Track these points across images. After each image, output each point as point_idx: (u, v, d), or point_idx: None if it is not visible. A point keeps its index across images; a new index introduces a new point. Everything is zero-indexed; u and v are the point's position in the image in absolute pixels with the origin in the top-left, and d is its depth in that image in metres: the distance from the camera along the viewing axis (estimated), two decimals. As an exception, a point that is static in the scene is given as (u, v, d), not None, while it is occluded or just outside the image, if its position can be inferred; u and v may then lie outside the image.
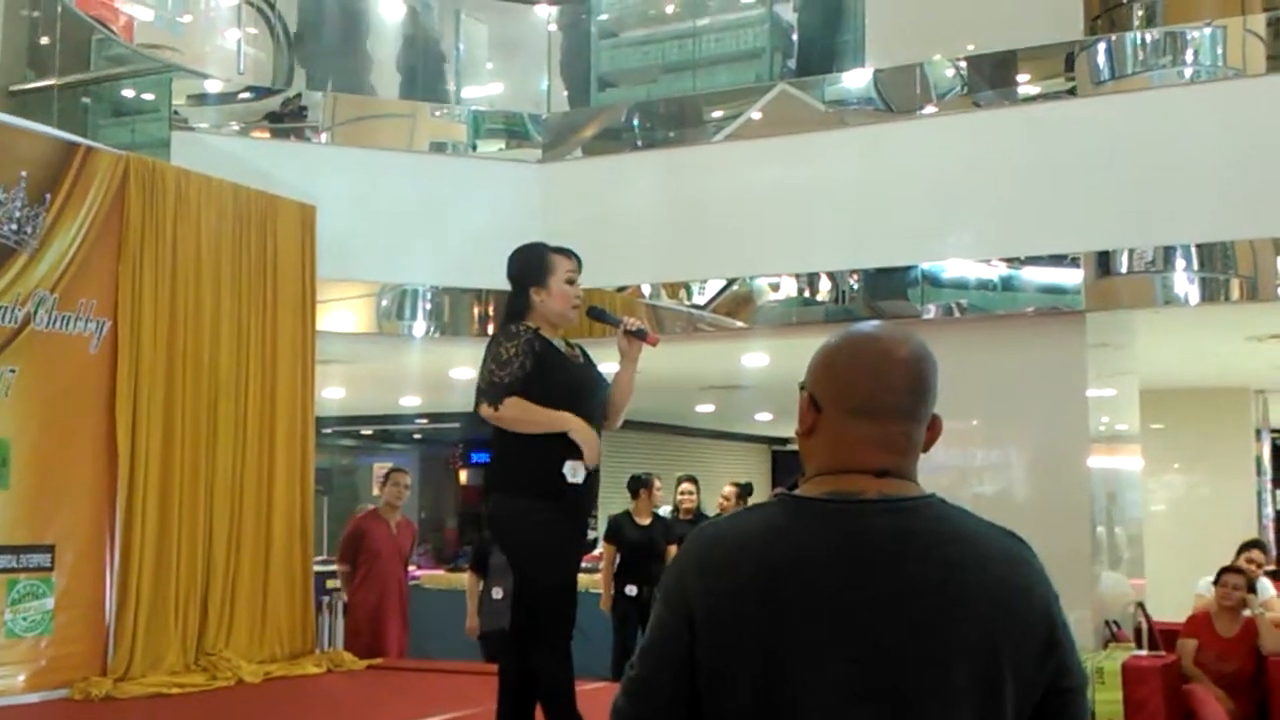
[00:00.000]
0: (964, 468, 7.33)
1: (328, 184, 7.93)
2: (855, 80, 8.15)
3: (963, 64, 7.77)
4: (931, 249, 7.66)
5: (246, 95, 8.45)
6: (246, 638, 6.78)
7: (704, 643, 1.59)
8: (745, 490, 9.71)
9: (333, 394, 11.70)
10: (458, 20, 9.42)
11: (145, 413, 6.40)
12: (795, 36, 9.09)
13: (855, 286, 7.88)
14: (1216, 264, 7.03)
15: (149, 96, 8.61)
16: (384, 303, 8.50)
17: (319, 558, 8.40)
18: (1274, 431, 13.07)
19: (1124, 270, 7.25)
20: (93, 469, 6.29)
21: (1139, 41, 7.43)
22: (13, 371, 5.92)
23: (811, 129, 8.06)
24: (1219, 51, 7.28)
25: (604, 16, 9.51)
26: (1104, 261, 7.25)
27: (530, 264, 4.50)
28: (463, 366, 9.87)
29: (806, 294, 8.04)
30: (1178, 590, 7.63)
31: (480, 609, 7.67)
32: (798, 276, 8.03)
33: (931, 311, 7.62)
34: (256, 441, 7.00)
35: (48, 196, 6.08)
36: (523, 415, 4.23)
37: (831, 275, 7.93)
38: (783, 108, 8.18)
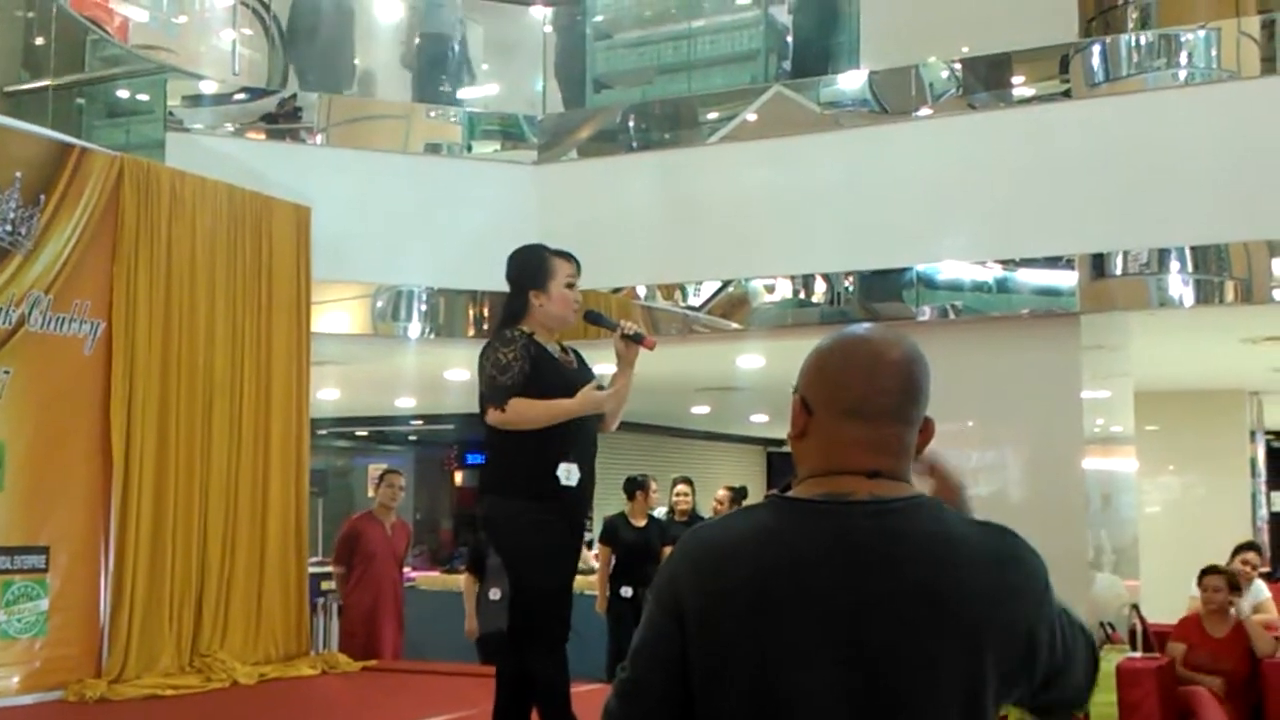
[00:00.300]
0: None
1: (323, 185, 7.92)
2: (850, 82, 8.16)
3: (957, 66, 7.78)
4: (926, 251, 7.66)
5: (241, 96, 8.44)
6: (241, 639, 6.77)
7: (695, 644, 1.59)
8: (739, 494, 9.72)
9: (328, 395, 11.70)
10: (453, 22, 9.42)
11: (140, 414, 6.39)
12: (790, 38, 9.09)
13: (850, 288, 7.88)
14: (1211, 266, 7.04)
15: (144, 97, 8.60)
16: (379, 304, 8.50)
17: (314, 559, 8.39)
18: (1269, 433, 13.09)
19: (1119, 272, 7.26)
20: (87, 470, 6.28)
21: (1134, 43, 7.44)
22: (7, 373, 5.91)
23: (806, 131, 8.06)
24: (1213, 54, 7.29)
25: (599, 18, 9.51)
26: (1099, 263, 7.26)
27: (530, 266, 4.49)
28: (458, 368, 9.87)
29: (802, 295, 8.04)
30: (1172, 592, 7.64)
31: (478, 610, 7.66)
32: (793, 278, 8.03)
33: (926, 313, 7.63)
34: (251, 443, 6.99)
35: (42, 197, 6.08)
36: (528, 413, 4.23)
37: (827, 277, 7.93)
38: (778, 109, 8.18)
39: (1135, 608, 7.44)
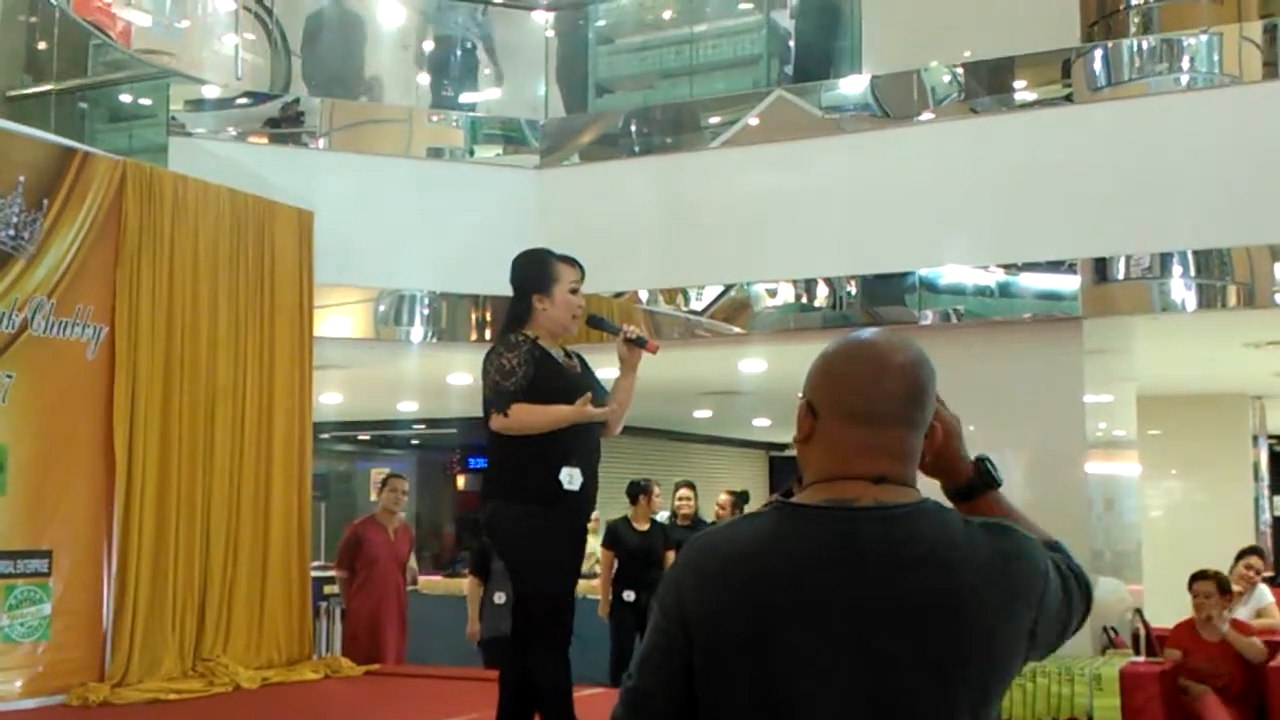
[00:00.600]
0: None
1: (325, 189, 7.93)
2: (852, 86, 8.16)
3: (959, 70, 7.78)
4: (929, 255, 7.66)
5: (244, 101, 8.45)
6: (244, 643, 6.78)
7: (701, 651, 1.59)
8: (741, 498, 9.71)
9: (330, 399, 11.70)
10: (455, 26, 9.43)
11: (142, 418, 6.40)
12: (792, 43, 9.09)
13: (852, 292, 7.88)
14: (1213, 270, 7.04)
15: (146, 102, 8.60)
16: (381, 308, 8.50)
17: (316, 563, 8.39)
18: (1271, 438, 13.09)
19: (1121, 276, 7.26)
20: (90, 474, 6.29)
21: (1136, 48, 7.43)
22: (9, 377, 5.92)
23: (808, 135, 8.06)
24: (1215, 58, 7.29)
25: (601, 22, 9.52)
26: (1101, 268, 7.26)
27: (534, 271, 4.49)
28: (460, 372, 9.88)
29: (804, 300, 8.04)
30: (1175, 596, 7.61)
31: (481, 614, 7.66)
32: (795, 282, 8.03)
33: (929, 317, 7.63)
34: (254, 446, 7.00)
35: (45, 202, 6.09)
36: (528, 418, 4.23)
37: (829, 281, 7.93)
38: (780, 114, 8.18)
39: (1138, 612, 7.43)
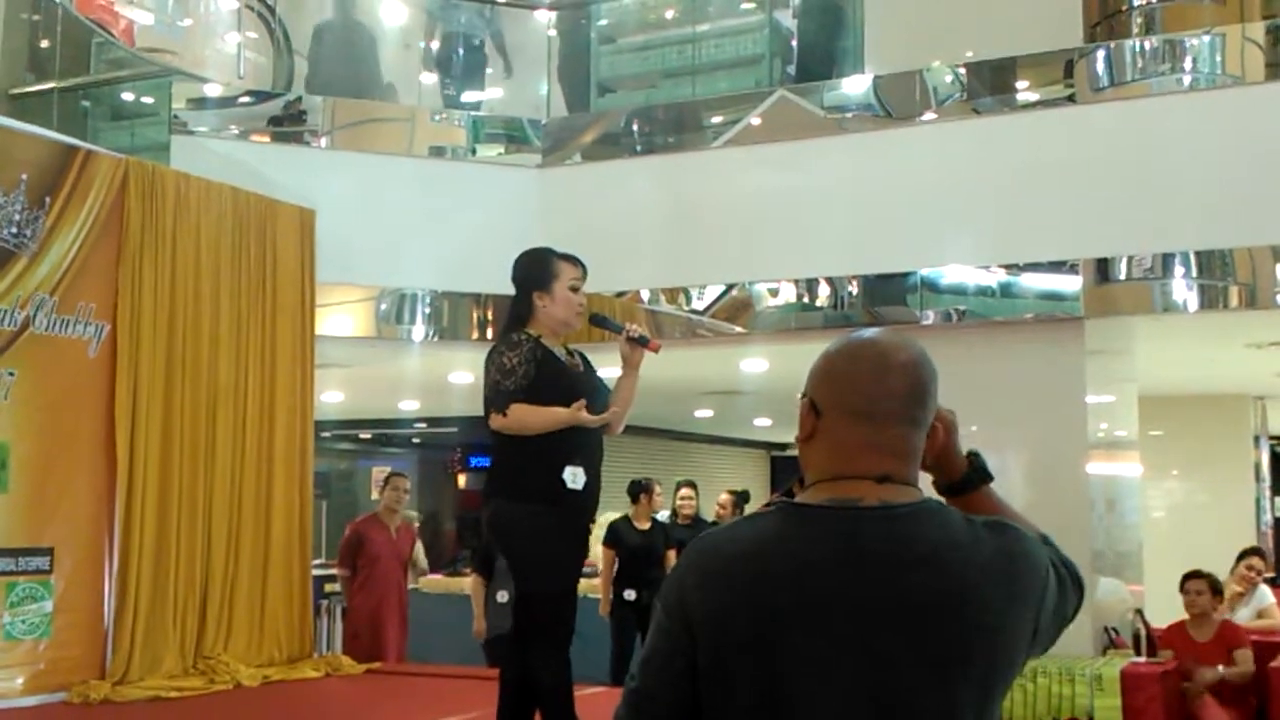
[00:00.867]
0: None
1: (327, 188, 7.93)
2: (855, 86, 8.16)
3: (962, 70, 7.78)
4: (930, 255, 7.66)
5: (246, 99, 8.45)
6: (245, 641, 6.78)
7: (705, 652, 1.59)
8: (741, 498, 9.71)
9: (332, 398, 11.70)
10: (458, 25, 9.43)
11: (144, 416, 6.40)
12: (795, 42, 9.09)
13: (854, 292, 7.88)
14: (1215, 271, 7.03)
15: (149, 100, 8.61)
16: (383, 307, 8.50)
17: (317, 561, 8.40)
18: (1273, 438, 13.08)
19: (1123, 277, 7.26)
20: (91, 472, 6.29)
21: (1138, 49, 7.43)
22: (11, 374, 5.93)
23: (811, 135, 8.06)
24: (1218, 59, 7.28)
25: (603, 22, 9.51)
26: (1103, 268, 7.26)
27: (534, 269, 4.50)
28: (462, 371, 9.87)
29: (806, 299, 8.04)
30: (1176, 597, 7.62)
31: (486, 612, 7.66)
32: (797, 282, 8.03)
33: (930, 317, 7.63)
34: (255, 445, 7.00)
35: (47, 199, 6.09)
36: (527, 419, 4.24)
37: (830, 281, 7.93)
38: (782, 113, 8.18)
39: (1139, 612, 7.44)
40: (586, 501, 4.38)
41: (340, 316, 8.34)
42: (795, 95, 8.25)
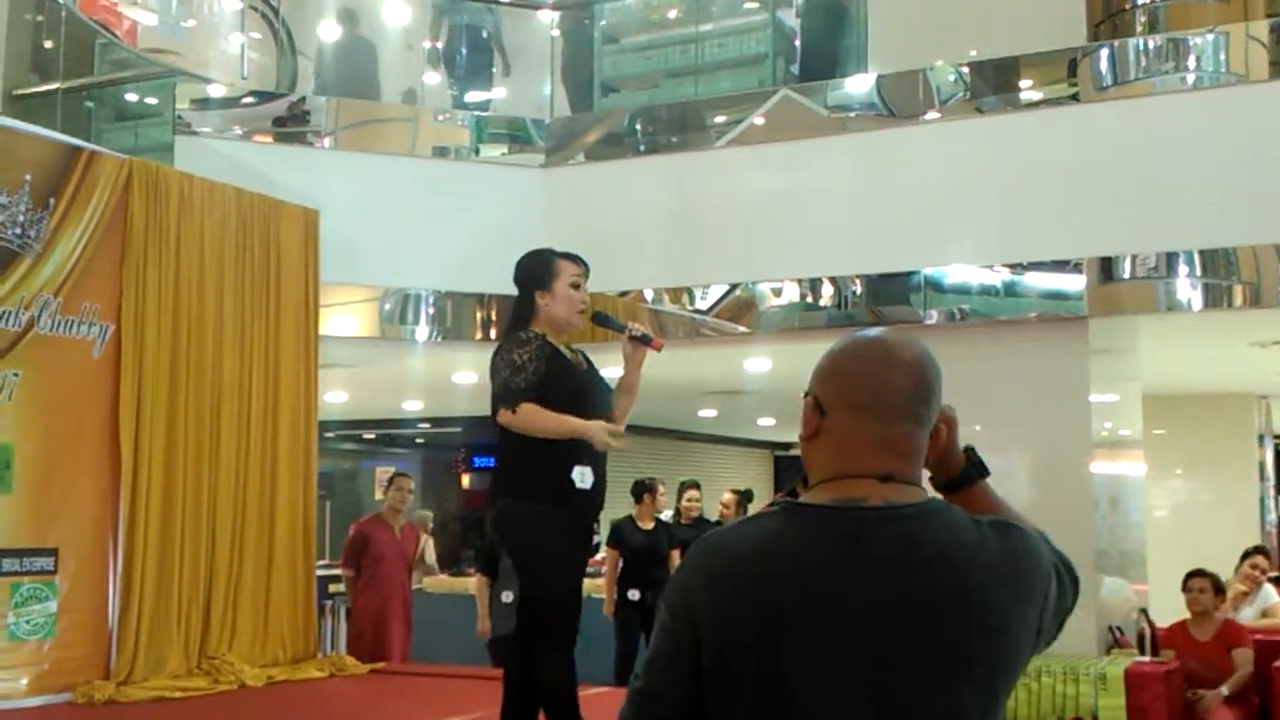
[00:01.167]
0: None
1: (331, 188, 7.94)
2: (858, 85, 8.16)
3: (965, 69, 7.78)
4: (934, 254, 7.66)
5: (250, 100, 8.46)
6: (249, 641, 6.79)
7: (709, 652, 1.59)
8: (745, 498, 9.71)
9: (335, 398, 11.71)
10: (461, 25, 9.43)
11: (148, 416, 6.41)
12: (798, 42, 9.09)
13: (858, 291, 7.88)
14: (1219, 270, 7.03)
15: (152, 101, 8.62)
16: (387, 307, 8.51)
17: (321, 562, 8.40)
18: (1277, 437, 13.05)
19: (1127, 276, 7.25)
20: (96, 472, 6.30)
21: (1142, 47, 7.43)
22: (16, 375, 5.93)
23: (814, 134, 8.06)
24: (1222, 58, 7.28)
25: (606, 22, 9.51)
26: (1107, 267, 7.25)
27: (535, 268, 4.50)
28: (465, 371, 9.88)
29: (809, 299, 8.03)
30: (1180, 596, 7.61)
31: (490, 612, 7.66)
32: (800, 281, 8.02)
33: (934, 317, 7.62)
34: (259, 445, 7.01)
35: (51, 200, 6.10)
36: (535, 420, 4.23)
37: (834, 280, 7.93)
38: (785, 113, 8.18)
39: (1143, 612, 7.43)
40: (593, 501, 4.38)
41: (344, 317, 8.34)
42: (798, 95, 8.25)
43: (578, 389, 4.32)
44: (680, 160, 8.48)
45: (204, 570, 6.63)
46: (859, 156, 7.93)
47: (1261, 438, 12.09)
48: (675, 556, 8.37)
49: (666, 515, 9.41)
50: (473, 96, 9.36)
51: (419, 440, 16.94)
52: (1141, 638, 7.21)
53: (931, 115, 7.81)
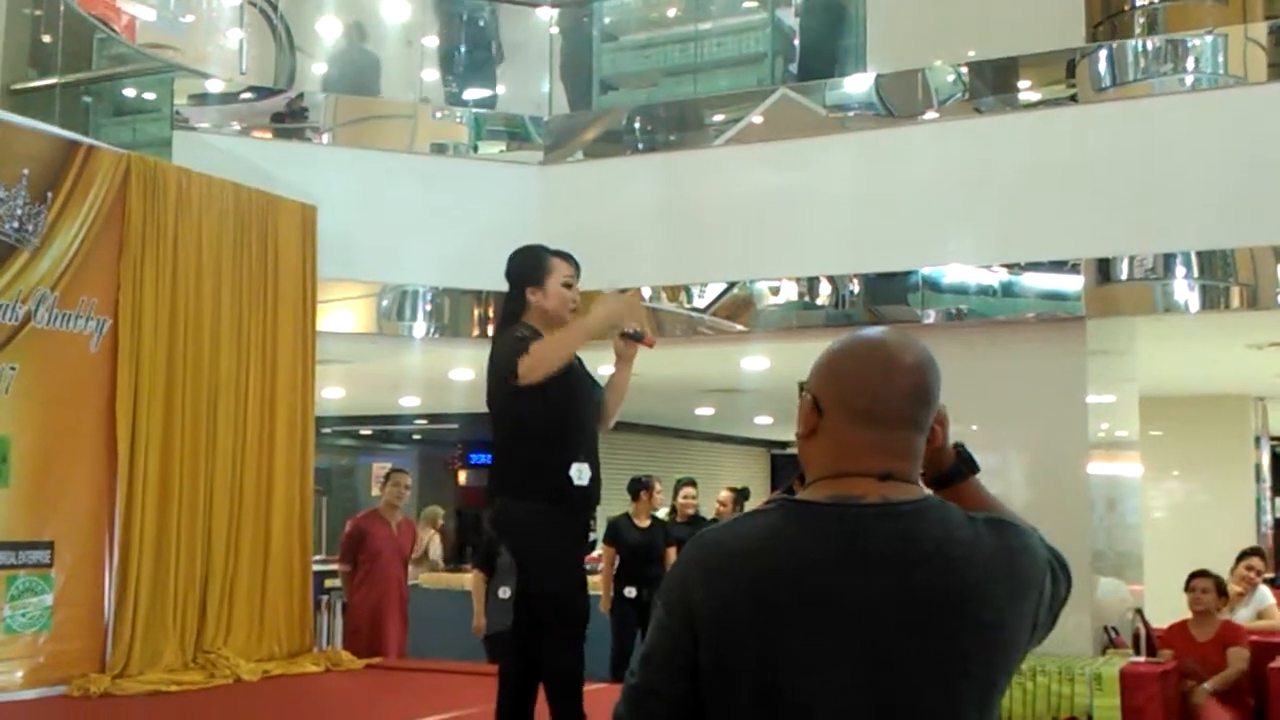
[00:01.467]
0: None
1: (329, 184, 7.94)
2: (857, 85, 8.16)
3: (964, 70, 7.78)
4: (932, 254, 7.66)
5: (248, 95, 8.46)
6: (245, 636, 6.79)
7: (706, 648, 1.59)
8: (742, 495, 9.72)
9: (332, 394, 11.71)
10: (460, 23, 9.43)
11: (145, 411, 6.41)
12: (797, 41, 9.09)
13: (855, 291, 7.88)
14: (1217, 271, 7.04)
15: (150, 96, 8.62)
16: (384, 303, 8.51)
17: (318, 557, 8.40)
18: (1273, 439, 13.07)
19: (1124, 277, 7.26)
20: (92, 466, 6.30)
21: (1140, 49, 7.43)
22: (13, 369, 5.93)
23: (812, 134, 8.06)
24: (1220, 59, 7.28)
25: (606, 20, 9.51)
26: (1104, 268, 7.26)
27: (527, 265, 4.50)
28: (462, 367, 9.88)
29: (807, 298, 8.04)
30: (1176, 597, 7.62)
31: (487, 608, 7.66)
32: (798, 280, 8.03)
33: (932, 316, 7.63)
34: (256, 440, 7.01)
35: (49, 195, 6.09)
36: (548, 348, 4.18)
37: (832, 279, 7.93)
38: (784, 112, 8.18)
39: (1139, 612, 7.44)
40: (590, 498, 4.38)
41: (341, 312, 8.34)
42: (797, 94, 8.25)
43: (570, 384, 4.32)
44: (678, 159, 8.48)
45: (200, 564, 6.63)
46: (857, 156, 7.93)
47: (1258, 439, 12.10)
48: (671, 554, 8.38)
49: (663, 513, 9.42)
50: (471, 93, 9.36)
51: (416, 436, 16.94)
52: (1137, 638, 7.22)
53: (930, 115, 7.82)
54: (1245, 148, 6.96)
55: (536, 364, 4.16)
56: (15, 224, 5.94)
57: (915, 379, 1.66)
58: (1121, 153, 7.23)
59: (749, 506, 8.12)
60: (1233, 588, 8.06)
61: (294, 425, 7.24)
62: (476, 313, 8.62)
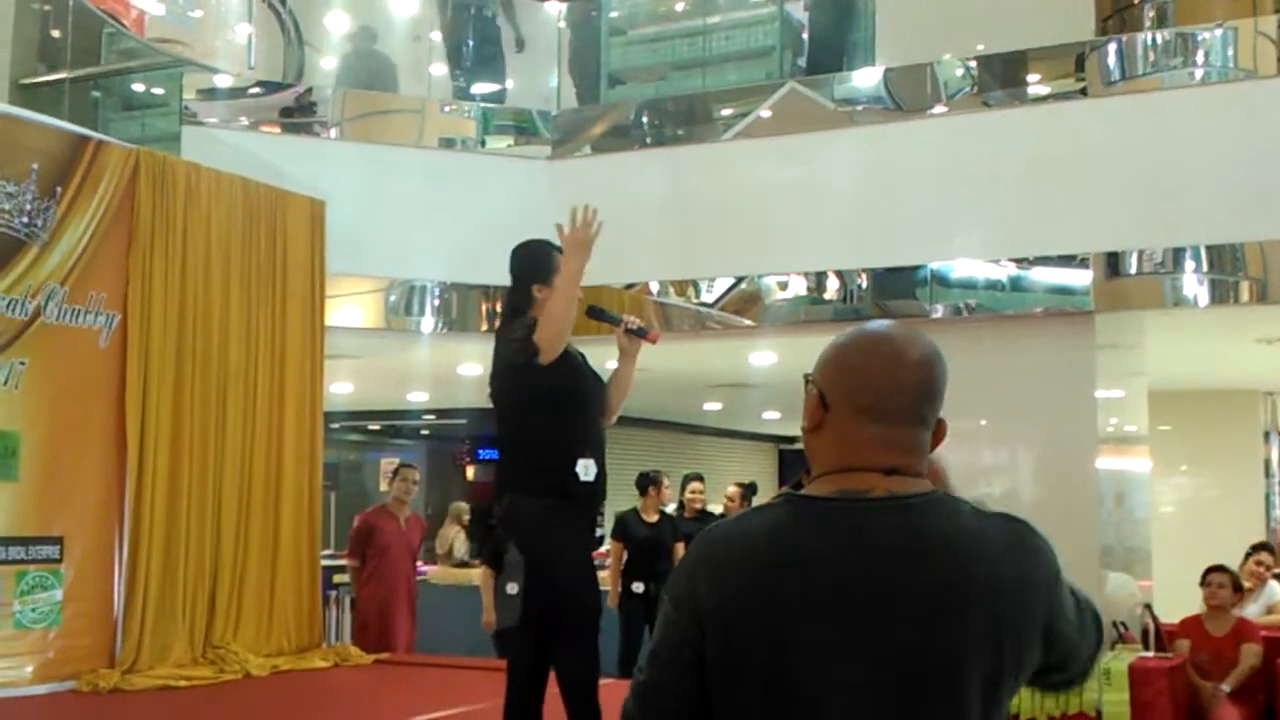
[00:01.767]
0: (971, 467, 7.31)
1: (337, 179, 7.94)
2: (865, 79, 8.15)
3: (973, 63, 7.76)
4: (940, 248, 7.65)
5: (257, 90, 8.46)
6: (254, 631, 6.80)
7: (713, 643, 1.59)
8: (749, 490, 9.71)
9: (341, 389, 11.71)
10: (469, 17, 9.43)
11: (154, 406, 6.42)
12: (806, 35, 9.07)
13: (863, 285, 7.87)
14: (1226, 265, 7.02)
15: (159, 91, 8.62)
16: (392, 298, 8.52)
17: (326, 552, 8.41)
18: (1283, 434, 13.04)
19: (1133, 271, 7.24)
20: (102, 462, 6.31)
21: (1150, 42, 7.41)
22: (23, 364, 5.94)
23: (821, 127, 8.05)
24: (1230, 53, 7.26)
25: (614, 14, 9.50)
26: (1113, 262, 7.24)
27: (533, 260, 4.50)
28: (470, 362, 9.88)
29: (815, 292, 8.03)
30: (1185, 592, 7.61)
31: (496, 604, 7.66)
32: (806, 275, 8.02)
33: (940, 311, 7.62)
34: (265, 435, 7.02)
35: (58, 189, 6.10)
36: (554, 310, 4.19)
37: (840, 274, 7.92)
38: (792, 106, 8.17)
39: (1148, 607, 7.43)
40: (597, 493, 4.39)
41: (349, 307, 8.35)
42: (805, 88, 8.24)
43: (575, 379, 4.32)
44: (687, 153, 8.47)
45: (209, 559, 6.65)
46: (866, 150, 7.92)
47: (1267, 434, 12.07)
48: (679, 549, 8.37)
49: (671, 508, 9.42)
50: (479, 88, 9.35)
51: (424, 431, 16.95)
52: (1146, 633, 7.21)
53: (939, 109, 7.80)
54: (1255, 141, 6.94)
55: (551, 332, 4.19)
56: (24, 219, 5.95)
57: (921, 375, 1.66)
58: (1131, 146, 7.21)
59: (757, 501, 8.13)
60: (1242, 583, 8.05)
61: (303, 420, 7.25)
62: (484, 308, 8.62)
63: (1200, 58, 7.30)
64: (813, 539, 1.59)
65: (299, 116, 8.51)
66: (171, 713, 5.80)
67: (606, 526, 8.79)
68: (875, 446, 1.64)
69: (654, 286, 8.36)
